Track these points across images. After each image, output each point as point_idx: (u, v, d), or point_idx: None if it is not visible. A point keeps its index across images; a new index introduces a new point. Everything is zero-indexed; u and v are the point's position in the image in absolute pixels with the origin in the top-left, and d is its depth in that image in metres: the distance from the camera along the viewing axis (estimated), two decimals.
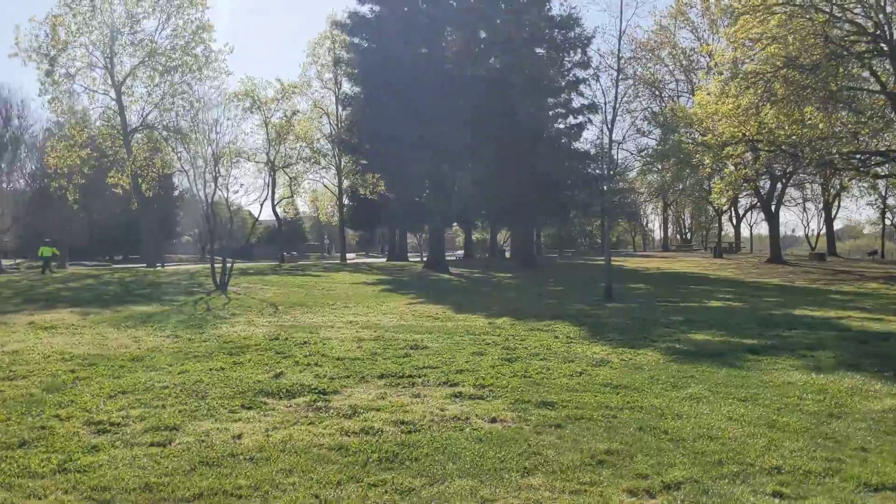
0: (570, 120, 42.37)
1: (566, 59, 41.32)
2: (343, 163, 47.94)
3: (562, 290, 26.00)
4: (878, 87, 29.75)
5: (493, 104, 33.82)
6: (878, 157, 28.97)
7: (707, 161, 30.68)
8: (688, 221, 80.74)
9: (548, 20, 39.99)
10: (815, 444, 6.13)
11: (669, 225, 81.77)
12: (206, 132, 21.90)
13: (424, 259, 40.93)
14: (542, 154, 33.33)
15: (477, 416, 7.14)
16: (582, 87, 41.80)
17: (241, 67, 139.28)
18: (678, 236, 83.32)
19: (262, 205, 66.28)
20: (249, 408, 7.38)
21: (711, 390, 8.25)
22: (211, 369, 9.36)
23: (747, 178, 32.11)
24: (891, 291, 24.38)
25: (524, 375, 9.15)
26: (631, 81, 47.50)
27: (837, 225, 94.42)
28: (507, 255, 58.49)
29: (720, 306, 19.30)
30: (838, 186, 54.33)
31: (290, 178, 45.41)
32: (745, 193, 56.30)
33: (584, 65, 41.80)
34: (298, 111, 41.43)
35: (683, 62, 48.43)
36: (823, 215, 57.28)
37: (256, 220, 36.30)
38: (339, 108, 34.69)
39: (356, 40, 33.94)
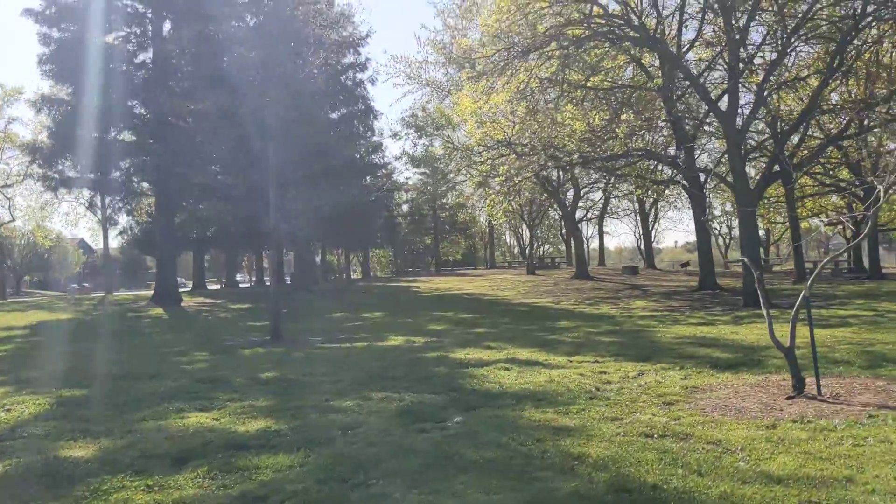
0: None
1: (339, 59, 36.98)
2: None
3: (263, 324, 21.16)
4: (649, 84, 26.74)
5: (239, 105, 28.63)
6: (627, 160, 25.79)
7: (452, 166, 26.78)
8: (526, 235, 78.04)
9: (315, 14, 35.37)
10: None
11: (502, 239, 79.32)
12: None
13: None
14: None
15: None
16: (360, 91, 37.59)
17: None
18: (518, 251, 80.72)
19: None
20: None
21: None
22: None
23: (514, 189, 28.28)
24: (635, 314, 20.95)
25: None
26: (428, 88, 43.39)
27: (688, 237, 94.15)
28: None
29: (381, 347, 14.94)
30: (653, 197, 52.65)
31: (8, 198, 38.51)
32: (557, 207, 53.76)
33: (361, 67, 37.68)
34: (16, 118, 34.88)
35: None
36: (640, 226, 55.41)
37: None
38: (36, 111, 28.58)
39: (53, 31, 28.06)
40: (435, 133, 40.07)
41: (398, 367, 11.59)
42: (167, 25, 30.07)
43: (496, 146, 26.97)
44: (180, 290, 42.32)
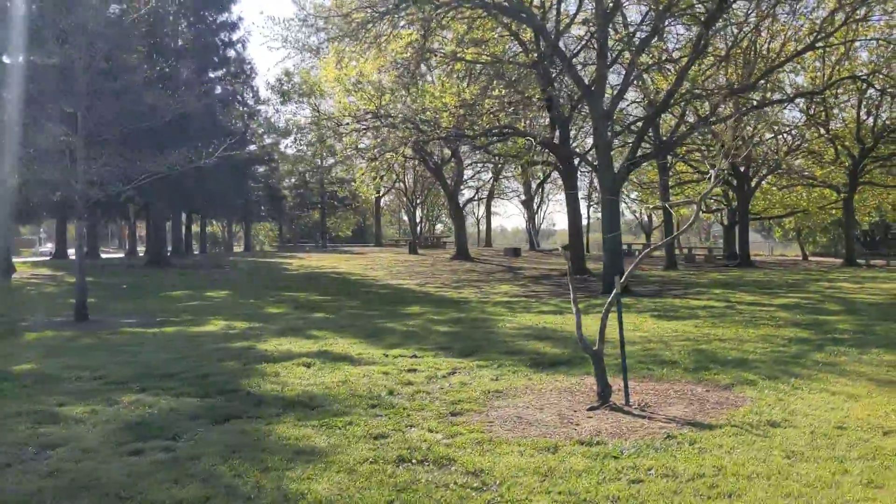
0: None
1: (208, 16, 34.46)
2: None
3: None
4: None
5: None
6: (499, 135, 24.80)
7: (311, 137, 25.13)
8: (418, 214, 76.56)
9: None
10: None
11: (397, 216, 77.98)
12: None
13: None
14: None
15: None
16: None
17: None
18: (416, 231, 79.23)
19: None
20: None
21: None
22: None
23: (385, 164, 26.84)
24: (492, 299, 20.03)
25: None
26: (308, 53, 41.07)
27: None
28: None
29: (191, 333, 13.30)
30: (540, 177, 52.42)
31: None
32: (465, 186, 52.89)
33: (232, 26, 35.30)
34: None
35: None
36: (525, 207, 55.08)
37: None
38: None
39: None
40: (301, 100, 38.11)
41: (185, 360, 10.05)
42: None
43: (364, 116, 25.41)
44: (39, 259, 38.88)
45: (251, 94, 48.53)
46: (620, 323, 7.76)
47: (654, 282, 24.80)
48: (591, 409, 7.14)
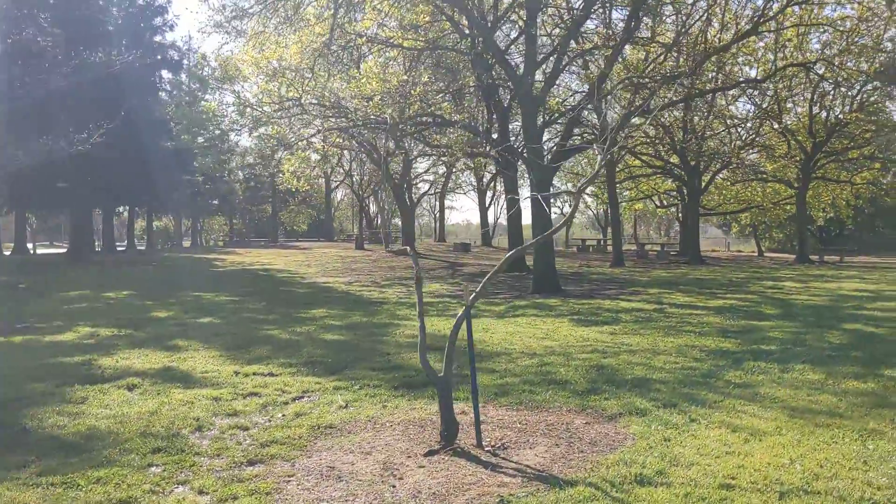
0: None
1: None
2: None
3: None
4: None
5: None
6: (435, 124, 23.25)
7: (225, 124, 23.40)
8: (372, 208, 74.69)
9: None
10: None
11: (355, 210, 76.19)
12: None
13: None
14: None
15: None
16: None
17: None
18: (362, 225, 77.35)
19: None
20: None
21: None
22: None
23: (323, 155, 25.16)
24: (412, 300, 18.41)
25: None
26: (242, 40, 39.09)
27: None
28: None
29: (41, 343, 11.58)
30: (493, 171, 51.01)
31: None
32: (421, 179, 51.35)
33: (160, 10, 33.30)
34: None
35: None
36: (478, 203, 53.63)
37: None
38: None
39: None
40: (220, 87, 36.28)
41: None
42: None
43: (285, 104, 23.70)
44: None
45: (196, 83, 46.43)
46: (470, 341, 6.26)
47: (594, 280, 23.50)
48: (429, 453, 5.64)
